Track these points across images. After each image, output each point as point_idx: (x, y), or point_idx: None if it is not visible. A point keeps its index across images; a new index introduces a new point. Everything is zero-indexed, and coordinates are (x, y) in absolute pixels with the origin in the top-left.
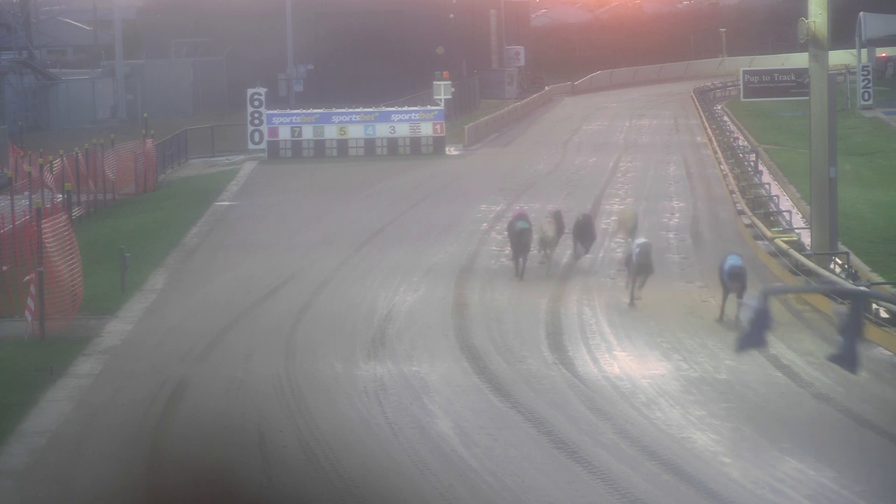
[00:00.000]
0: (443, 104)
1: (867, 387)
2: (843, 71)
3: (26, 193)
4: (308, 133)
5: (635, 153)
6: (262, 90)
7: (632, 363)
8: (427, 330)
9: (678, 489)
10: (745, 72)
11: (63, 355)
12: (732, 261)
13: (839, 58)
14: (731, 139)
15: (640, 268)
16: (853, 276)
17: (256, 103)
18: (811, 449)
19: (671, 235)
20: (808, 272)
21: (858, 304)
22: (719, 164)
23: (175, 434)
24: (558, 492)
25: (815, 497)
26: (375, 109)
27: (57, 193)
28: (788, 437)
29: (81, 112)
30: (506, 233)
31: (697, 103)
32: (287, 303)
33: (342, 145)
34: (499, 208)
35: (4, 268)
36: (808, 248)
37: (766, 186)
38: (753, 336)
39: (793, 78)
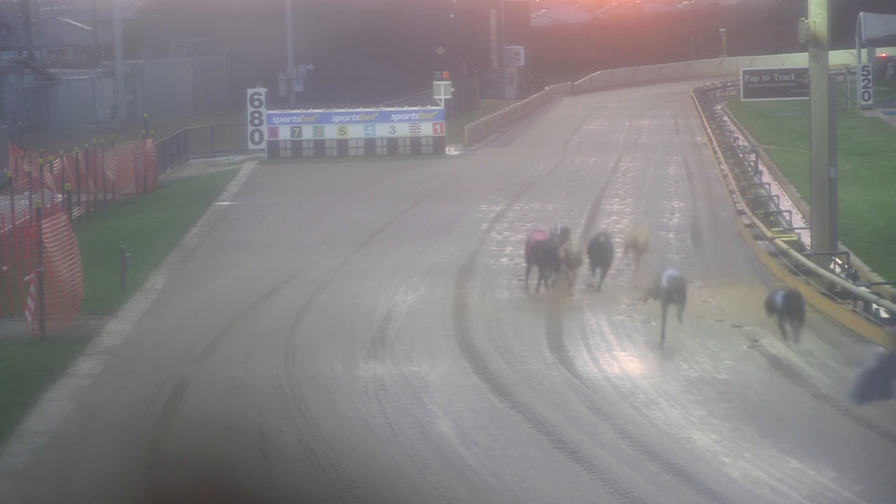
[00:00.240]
0: (443, 104)
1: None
2: (843, 71)
3: (26, 193)
4: (308, 133)
5: (635, 153)
6: (262, 90)
7: (632, 363)
8: (427, 330)
9: (678, 489)
10: (745, 72)
11: (63, 355)
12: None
13: (839, 58)
14: (731, 139)
15: (673, 299)
16: (853, 276)
17: (256, 103)
18: (811, 449)
19: (671, 235)
20: (808, 272)
21: None
22: (719, 164)
23: (175, 434)
24: (558, 492)
25: (815, 497)
26: (375, 109)
27: (57, 193)
28: (788, 437)
29: (81, 112)
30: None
31: (697, 103)
32: (287, 303)
33: (342, 145)
34: (499, 208)
35: (4, 268)
36: (808, 248)
37: (766, 186)
38: (879, 384)
39: (793, 78)
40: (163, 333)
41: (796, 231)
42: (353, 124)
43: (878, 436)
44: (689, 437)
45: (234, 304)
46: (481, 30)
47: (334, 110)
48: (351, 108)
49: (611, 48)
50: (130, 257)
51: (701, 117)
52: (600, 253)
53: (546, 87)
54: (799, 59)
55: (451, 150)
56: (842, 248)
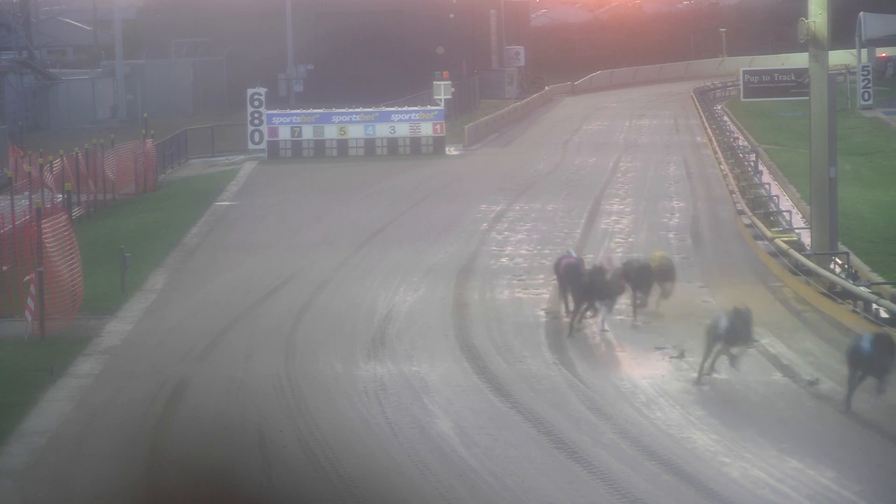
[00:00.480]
0: (443, 104)
1: (867, 387)
2: (843, 71)
3: (26, 193)
4: (308, 133)
5: (635, 153)
6: (262, 90)
7: (632, 363)
8: (427, 330)
9: (678, 489)
10: (745, 72)
11: (63, 355)
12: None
13: (839, 58)
14: (731, 139)
15: (735, 339)
16: (853, 276)
17: (256, 103)
18: (811, 449)
19: (671, 235)
20: (808, 272)
21: None
22: (719, 164)
23: (175, 434)
24: (558, 492)
25: (815, 497)
26: (375, 109)
27: (57, 193)
28: (788, 437)
29: (81, 112)
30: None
31: (697, 103)
32: (287, 303)
33: (342, 145)
34: (499, 208)
35: (4, 268)
36: (808, 248)
37: (766, 186)
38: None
39: (793, 78)
40: (163, 333)
41: (796, 231)
42: (353, 124)
43: (878, 436)
44: (689, 437)
45: (234, 304)
46: (481, 30)
47: (334, 110)
48: (351, 108)
49: (611, 48)
50: (130, 257)
51: (701, 117)
52: (639, 275)
53: (546, 87)
54: (799, 59)
55: (451, 150)
56: (842, 248)
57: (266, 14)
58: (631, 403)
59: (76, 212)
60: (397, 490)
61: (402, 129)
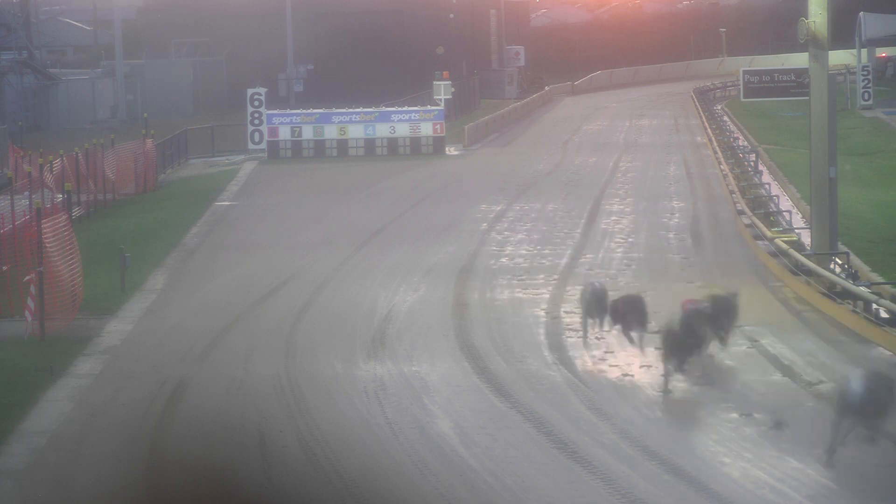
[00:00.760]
0: (443, 104)
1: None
2: (843, 71)
3: (26, 193)
4: (308, 133)
5: (635, 153)
6: (262, 90)
7: (632, 363)
8: (427, 330)
9: (678, 489)
10: (745, 72)
11: (63, 355)
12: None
13: (839, 58)
14: (731, 139)
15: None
16: (853, 276)
17: (256, 103)
18: (811, 449)
19: (671, 235)
20: (808, 272)
21: None
22: (719, 164)
23: (175, 434)
24: (558, 492)
25: (815, 497)
26: (375, 109)
27: (57, 193)
28: (788, 437)
29: (81, 112)
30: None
31: (697, 103)
32: (287, 303)
33: (342, 145)
34: (499, 208)
35: (4, 268)
36: (808, 248)
37: (766, 186)
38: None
39: (793, 78)
40: (163, 333)
41: (796, 231)
42: (353, 124)
43: (878, 436)
44: (690, 437)
45: (234, 304)
46: (481, 30)
47: (334, 110)
48: (351, 108)
49: (611, 48)
50: (130, 257)
51: (701, 117)
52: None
53: (546, 87)
54: (799, 59)
55: (451, 150)
56: (842, 248)
57: (266, 14)
58: (631, 403)
59: (76, 212)
60: (397, 490)
61: (402, 129)
